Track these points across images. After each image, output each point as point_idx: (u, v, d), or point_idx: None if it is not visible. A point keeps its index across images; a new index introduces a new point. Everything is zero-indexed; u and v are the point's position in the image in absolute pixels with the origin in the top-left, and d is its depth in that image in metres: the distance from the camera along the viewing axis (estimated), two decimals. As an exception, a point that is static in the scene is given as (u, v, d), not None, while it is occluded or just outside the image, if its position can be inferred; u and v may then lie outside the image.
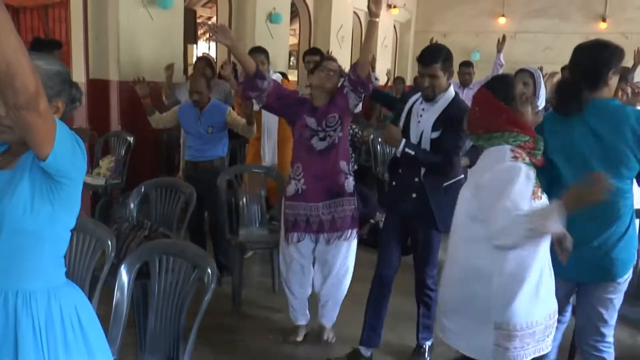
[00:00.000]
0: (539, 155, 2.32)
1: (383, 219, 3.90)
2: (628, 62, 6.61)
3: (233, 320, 4.11)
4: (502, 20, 13.83)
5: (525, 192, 2.15)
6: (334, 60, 3.67)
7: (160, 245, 2.61)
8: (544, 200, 2.25)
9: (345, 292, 3.78)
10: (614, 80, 2.57)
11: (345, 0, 10.34)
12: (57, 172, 1.60)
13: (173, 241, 2.97)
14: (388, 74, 10.84)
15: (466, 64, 7.08)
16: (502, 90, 2.33)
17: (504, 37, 7.52)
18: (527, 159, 2.25)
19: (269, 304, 4.39)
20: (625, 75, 3.99)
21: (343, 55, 10.33)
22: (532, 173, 2.23)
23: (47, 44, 4.99)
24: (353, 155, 5.80)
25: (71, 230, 1.78)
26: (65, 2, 5.89)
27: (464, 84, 6.97)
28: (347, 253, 3.69)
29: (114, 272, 2.45)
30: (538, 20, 13.63)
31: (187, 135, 4.72)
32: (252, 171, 4.86)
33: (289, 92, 3.64)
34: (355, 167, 5.74)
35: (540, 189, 2.25)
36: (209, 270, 2.38)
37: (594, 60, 2.55)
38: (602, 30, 13.27)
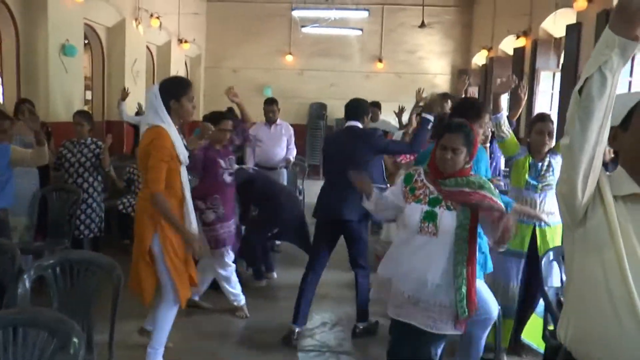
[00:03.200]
0: None
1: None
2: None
3: None
4: (289, 58, 14.41)
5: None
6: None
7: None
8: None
9: None
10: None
11: (138, 34, 9.96)
12: None
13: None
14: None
15: (269, 102, 7.09)
16: None
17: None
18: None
19: None
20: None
21: (139, 89, 9.94)
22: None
23: None
24: None
25: None
26: None
27: (270, 121, 6.99)
28: None
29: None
30: (323, 59, 14.45)
31: None
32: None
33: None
34: None
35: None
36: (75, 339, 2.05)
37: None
38: (379, 69, 14.51)
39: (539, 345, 4.02)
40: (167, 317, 3.57)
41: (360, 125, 4.39)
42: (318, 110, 14.31)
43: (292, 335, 4.32)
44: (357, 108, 4.44)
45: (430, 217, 2.66)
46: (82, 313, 2.61)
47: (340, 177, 3.93)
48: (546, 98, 9.12)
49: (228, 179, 4.67)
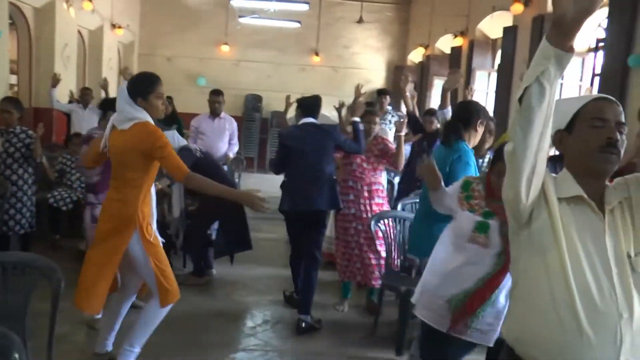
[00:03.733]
0: None
1: None
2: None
3: None
4: (225, 48, 14.16)
5: None
6: None
7: None
8: None
9: None
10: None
11: (69, 16, 9.52)
12: None
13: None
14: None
15: (216, 93, 6.81)
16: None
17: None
18: None
19: None
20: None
21: (70, 75, 9.52)
22: None
23: None
24: None
25: None
26: None
27: (215, 113, 6.73)
28: None
29: None
30: (260, 50, 14.29)
31: None
32: None
33: None
34: None
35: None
36: None
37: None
38: (315, 63, 14.49)
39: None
40: (154, 317, 3.37)
41: (316, 121, 4.65)
42: (253, 102, 14.15)
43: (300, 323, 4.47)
44: (315, 105, 4.72)
45: (482, 228, 2.66)
46: (15, 319, 2.44)
47: (312, 170, 4.45)
48: (481, 97, 9.32)
49: None
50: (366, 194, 4.83)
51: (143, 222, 3.22)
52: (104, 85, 8.23)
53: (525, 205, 1.70)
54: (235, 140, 6.89)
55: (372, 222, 4.50)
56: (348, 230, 4.84)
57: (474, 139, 3.58)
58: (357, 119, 4.68)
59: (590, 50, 6.92)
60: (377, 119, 5.01)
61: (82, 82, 10.59)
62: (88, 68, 11.20)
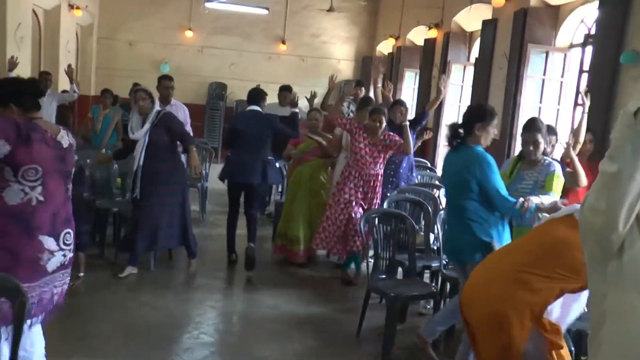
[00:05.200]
0: None
1: None
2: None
3: None
4: (189, 34, 13.66)
5: None
6: None
7: None
8: None
9: None
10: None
11: (24, -5, 8.92)
12: None
13: None
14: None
15: (168, 78, 6.39)
16: None
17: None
18: None
19: None
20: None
21: (24, 58, 8.90)
22: None
23: None
24: None
25: None
26: None
27: (165, 100, 6.22)
28: None
29: None
30: (223, 37, 13.82)
31: None
32: None
33: None
34: None
35: None
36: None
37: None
38: (282, 51, 14.12)
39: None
40: None
41: (260, 109, 5.70)
42: (218, 90, 13.69)
43: (233, 257, 5.75)
44: (259, 95, 5.82)
45: None
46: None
47: (251, 149, 5.50)
48: (456, 90, 9.15)
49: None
50: (363, 183, 5.35)
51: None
52: (70, 73, 7.74)
53: (620, 234, 1.44)
54: (189, 127, 6.35)
55: (362, 221, 4.49)
56: (341, 212, 5.37)
57: (485, 140, 3.58)
58: (296, 110, 5.99)
59: (572, 46, 6.78)
60: (384, 118, 5.26)
61: (38, 66, 9.97)
62: (44, 51, 10.55)
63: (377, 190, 5.40)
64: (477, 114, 3.62)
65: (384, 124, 5.25)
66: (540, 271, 2.58)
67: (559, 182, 3.69)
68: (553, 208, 3.34)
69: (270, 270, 5.69)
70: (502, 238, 3.59)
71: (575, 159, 4.34)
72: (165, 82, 6.28)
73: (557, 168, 3.73)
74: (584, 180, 4.38)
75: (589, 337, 1.63)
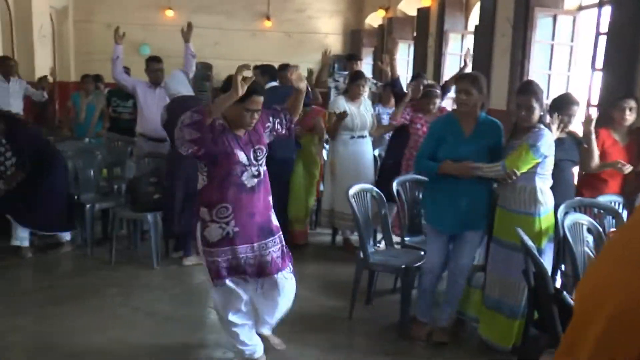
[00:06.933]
0: None
1: None
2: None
3: None
4: (170, 13, 13.14)
5: None
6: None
7: None
8: None
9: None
10: None
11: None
12: None
13: None
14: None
15: (156, 60, 6.00)
16: None
17: (189, 25, 6.02)
18: None
19: None
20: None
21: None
22: None
23: None
24: None
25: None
26: None
27: (155, 82, 5.88)
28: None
29: None
30: (205, 16, 13.19)
31: None
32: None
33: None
34: None
35: None
36: None
37: None
38: (267, 28, 13.65)
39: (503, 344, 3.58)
40: None
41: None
42: (203, 71, 13.13)
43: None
44: (274, 69, 5.94)
45: None
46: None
47: None
48: (455, 60, 8.73)
49: (250, 181, 3.08)
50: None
51: None
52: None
53: None
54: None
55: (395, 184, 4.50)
56: None
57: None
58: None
59: (582, 8, 6.37)
60: (437, 100, 5.23)
61: (10, 52, 9.38)
62: (16, 36, 9.92)
63: None
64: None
65: (437, 104, 5.25)
66: None
67: (525, 154, 3.32)
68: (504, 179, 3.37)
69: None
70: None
71: (593, 137, 4.02)
72: (153, 65, 5.88)
73: (541, 139, 3.33)
74: (596, 160, 4.08)
75: None
